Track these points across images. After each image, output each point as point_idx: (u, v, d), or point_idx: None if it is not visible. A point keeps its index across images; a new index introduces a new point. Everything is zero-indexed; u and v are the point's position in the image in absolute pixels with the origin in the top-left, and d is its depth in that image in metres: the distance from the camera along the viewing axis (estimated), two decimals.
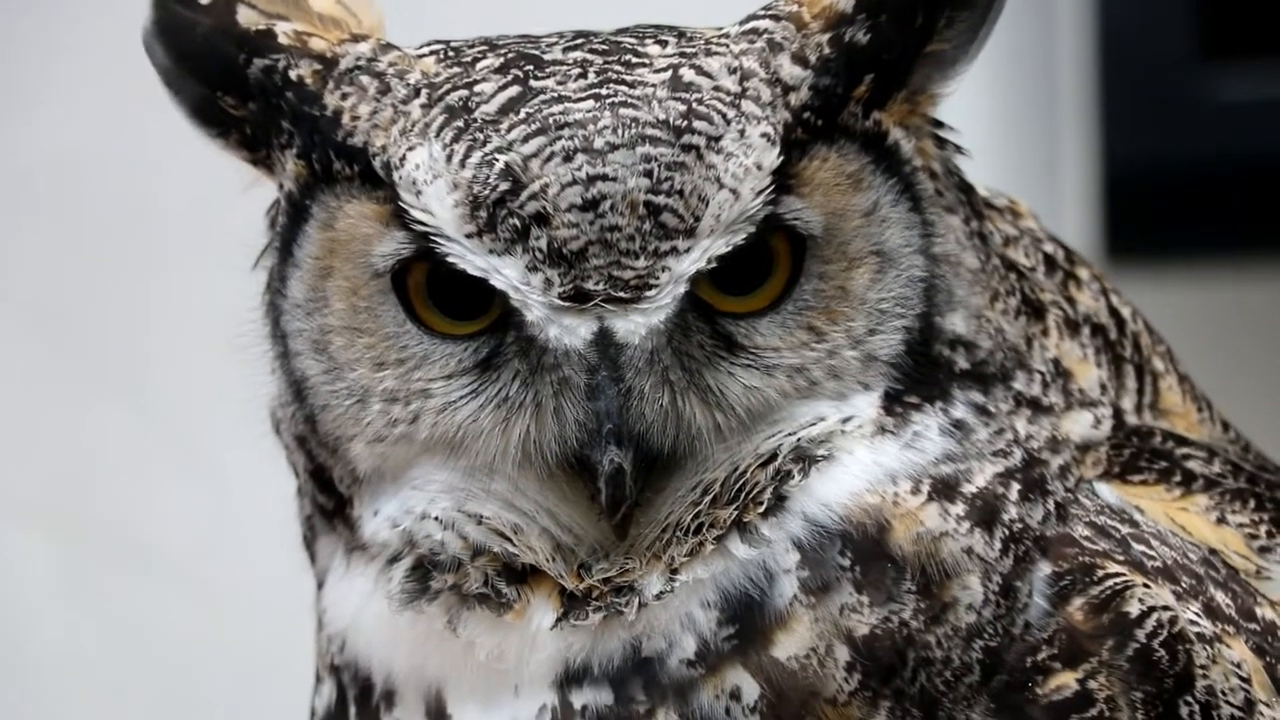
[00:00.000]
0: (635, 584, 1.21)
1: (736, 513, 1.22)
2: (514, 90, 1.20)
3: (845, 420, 1.24)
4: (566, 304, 1.18)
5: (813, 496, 1.22)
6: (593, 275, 1.17)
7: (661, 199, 1.18)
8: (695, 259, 1.18)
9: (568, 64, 1.21)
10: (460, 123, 1.19)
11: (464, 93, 1.21)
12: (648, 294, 1.18)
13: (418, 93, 1.22)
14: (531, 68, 1.21)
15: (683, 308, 1.19)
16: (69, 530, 2.46)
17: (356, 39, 1.25)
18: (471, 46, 1.24)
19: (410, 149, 1.20)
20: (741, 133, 1.20)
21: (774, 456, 1.22)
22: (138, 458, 2.45)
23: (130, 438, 2.45)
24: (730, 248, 1.19)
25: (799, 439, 1.23)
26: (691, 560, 1.21)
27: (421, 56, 1.24)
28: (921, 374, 1.25)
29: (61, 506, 2.47)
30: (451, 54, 1.24)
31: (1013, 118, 2.32)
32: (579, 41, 1.23)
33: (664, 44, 1.23)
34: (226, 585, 2.20)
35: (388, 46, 1.25)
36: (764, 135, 1.20)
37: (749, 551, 1.21)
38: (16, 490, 2.45)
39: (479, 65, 1.22)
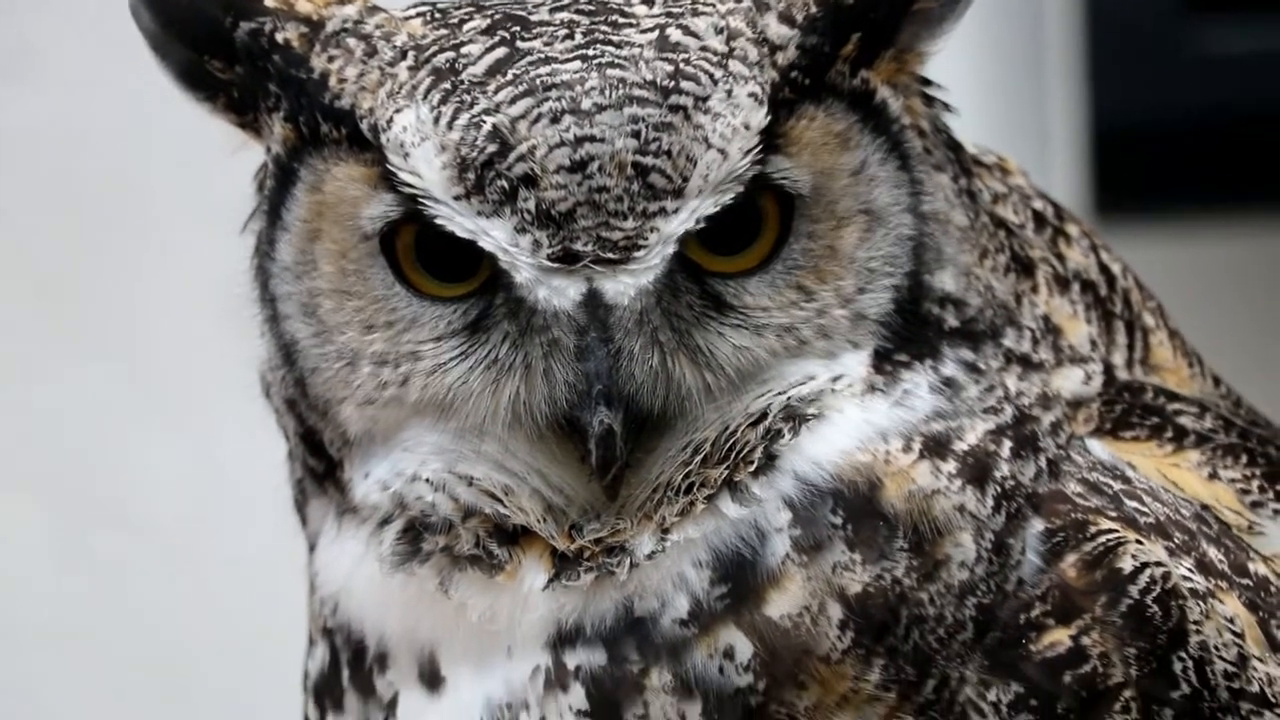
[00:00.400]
0: (626, 544, 1.21)
1: (727, 472, 1.21)
2: (501, 51, 1.20)
3: (835, 379, 1.23)
4: (555, 265, 1.17)
5: (804, 455, 1.22)
6: (581, 236, 1.17)
7: (649, 159, 1.17)
8: (684, 219, 1.18)
9: (554, 25, 1.21)
10: (447, 84, 1.19)
11: (451, 54, 1.20)
12: (636, 255, 1.18)
13: (404, 55, 1.21)
14: (518, 29, 1.21)
15: (671, 268, 1.19)
16: (59, 495, 2.46)
17: (343, 1, 1.25)
18: (458, 8, 1.24)
19: (398, 111, 1.19)
20: (729, 92, 1.20)
21: (764, 415, 1.22)
22: (128, 423, 2.45)
23: (121, 403, 2.45)
24: (718, 208, 1.19)
25: (789, 398, 1.22)
26: (683, 520, 1.21)
27: (408, 19, 1.24)
28: (911, 332, 1.24)
29: (51, 472, 2.47)
30: (438, 16, 1.23)
31: (1000, 75, 2.32)
32: (566, 2, 1.23)
33: (650, 3, 1.23)
34: (217, 550, 2.20)
35: (374, 9, 1.24)
36: (751, 95, 1.20)
37: (740, 510, 1.21)
38: (6, 456, 2.44)
39: (466, 27, 1.22)
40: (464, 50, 1.20)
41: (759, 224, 1.22)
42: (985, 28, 2.16)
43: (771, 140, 1.21)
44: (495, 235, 1.18)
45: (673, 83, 1.19)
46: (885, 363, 1.24)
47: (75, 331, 2.44)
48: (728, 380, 1.22)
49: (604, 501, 1.21)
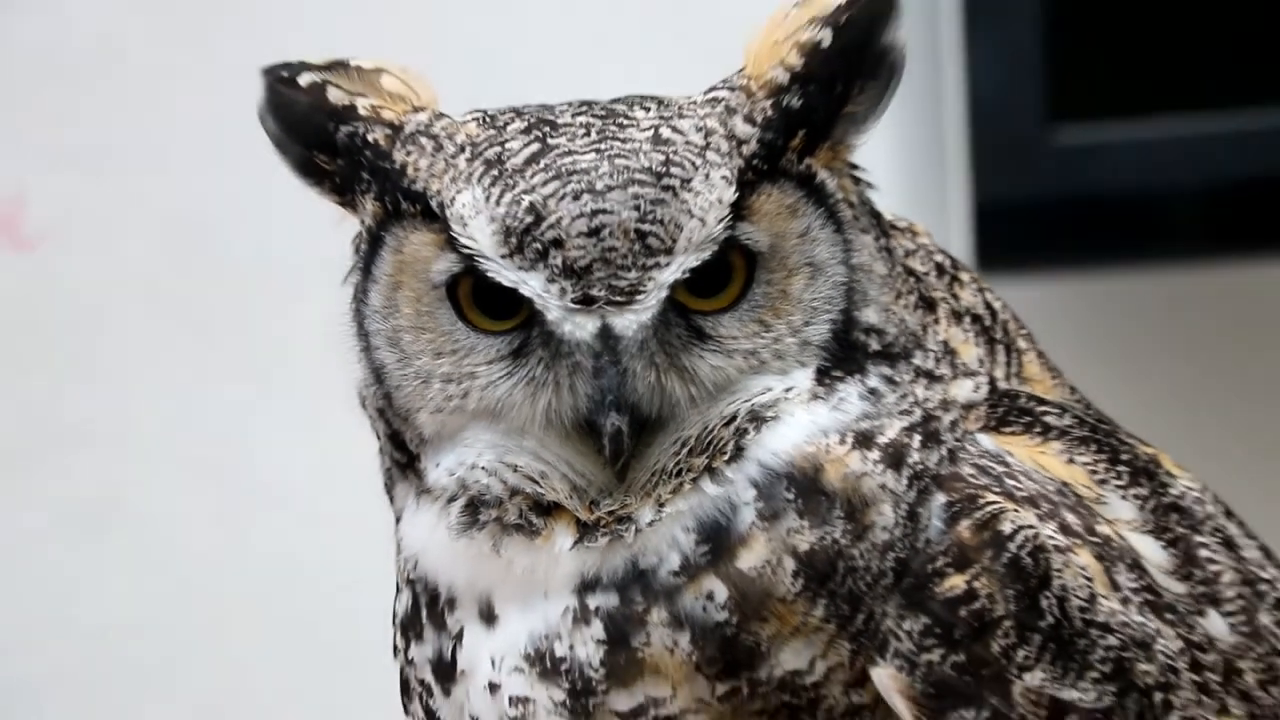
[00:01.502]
0: (633, 515, 1.21)
1: (707, 460, 1.21)
2: (535, 147, 1.20)
3: (787, 390, 1.22)
4: (577, 307, 1.18)
5: (764, 447, 1.21)
6: (596, 285, 1.18)
7: (647, 226, 1.18)
8: (673, 271, 1.19)
9: (575, 126, 1.21)
10: (495, 172, 1.20)
11: (498, 149, 1.21)
12: (638, 298, 1.18)
13: (463, 149, 1.22)
14: (548, 129, 1.21)
15: (664, 308, 1.19)
16: (225, 481, 2.43)
17: (417, 110, 1.25)
18: (503, 114, 1.24)
19: (458, 192, 1.20)
20: (707, 176, 1.20)
21: (734, 417, 1.22)
22: (271, 425, 2.42)
23: (265, 410, 2.42)
24: (699, 262, 1.19)
25: (752, 404, 1.22)
26: (674, 496, 1.21)
27: (465, 122, 1.24)
28: (844, 354, 1.24)
29: (220, 462, 2.43)
30: (488, 119, 1.24)
31: (909, 160, 2.30)
32: (584, 109, 1.23)
33: (647, 109, 1.23)
34: (338, 519, 2.16)
35: (440, 115, 1.25)
36: (724, 177, 1.20)
37: (717, 489, 1.20)
38: (182, 451, 2.41)
39: (509, 128, 1.22)
40: (507, 146, 1.21)
41: (730, 274, 1.22)
42: (898, 126, 2.14)
43: (739, 211, 1.21)
44: (532, 285, 1.18)
45: (664, 169, 1.19)
46: (825, 377, 1.23)
47: (232, 358, 2.41)
48: (706, 392, 1.21)
49: (615, 483, 1.21)
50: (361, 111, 1.24)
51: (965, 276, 1.31)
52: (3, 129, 2.46)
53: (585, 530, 1.21)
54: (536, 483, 1.22)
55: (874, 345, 1.24)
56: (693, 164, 1.21)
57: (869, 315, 1.25)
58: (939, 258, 1.31)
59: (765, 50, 1.24)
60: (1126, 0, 2.40)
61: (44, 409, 2.49)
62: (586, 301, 1.19)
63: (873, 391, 1.23)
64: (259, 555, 2.47)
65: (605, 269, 1.18)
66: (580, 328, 1.19)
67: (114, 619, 2.50)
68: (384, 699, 1.34)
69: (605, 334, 1.19)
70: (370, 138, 1.24)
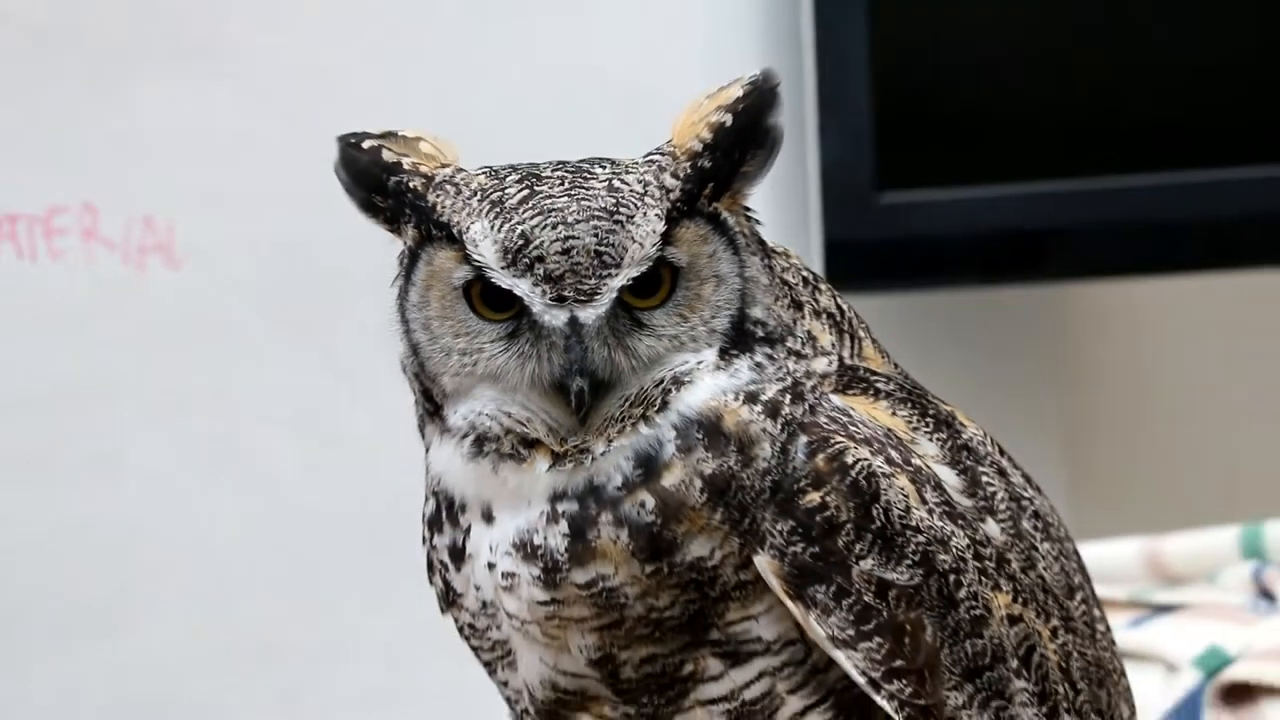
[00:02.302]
0: (590, 448, 1.19)
1: (642, 411, 1.19)
2: (526, 192, 1.20)
3: (699, 363, 1.20)
4: (553, 304, 1.18)
5: (683, 402, 1.19)
6: (567, 288, 1.17)
7: (603, 248, 1.18)
8: (621, 280, 1.18)
9: (554, 178, 1.20)
10: (497, 210, 1.19)
11: (499, 193, 1.20)
12: (596, 298, 1.18)
13: (475, 194, 1.21)
14: (534, 180, 1.20)
15: (614, 305, 1.18)
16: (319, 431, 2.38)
17: (444, 166, 1.24)
18: (503, 169, 1.23)
19: (472, 224, 1.19)
20: (645, 214, 1.19)
21: (661, 382, 1.20)
22: (338, 393, 2.38)
23: (333, 385, 2.38)
24: (639, 273, 1.19)
25: (674, 373, 1.20)
26: (620, 435, 1.19)
27: (477, 175, 1.23)
28: (739, 339, 1.22)
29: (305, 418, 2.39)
30: (493, 173, 1.22)
31: (782, 209, 2.32)
32: (560, 166, 1.22)
33: (604, 167, 1.22)
34: (389, 455, 2.13)
35: (460, 170, 1.23)
36: (656, 215, 1.19)
37: (649, 430, 1.19)
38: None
39: (507, 179, 1.21)
40: (506, 191, 1.20)
41: (661, 282, 1.21)
42: (775, 184, 2.13)
43: (667, 239, 1.20)
44: (522, 288, 1.18)
45: (615, 208, 1.19)
46: (724, 355, 1.21)
47: (324, 351, 2.37)
48: (643, 364, 1.20)
49: (578, 427, 1.19)
50: (405, 166, 1.23)
51: (824, 287, 1.29)
52: (160, 172, 2.39)
53: (556, 459, 1.19)
54: (524, 425, 1.19)
55: (759, 333, 1.22)
56: (635, 205, 1.19)
57: (756, 312, 1.22)
58: (805, 273, 1.28)
59: (685, 127, 1.23)
60: (930, 107, 2.37)
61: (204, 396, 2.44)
62: (560, 300, 1.17)
63: (757, 365, 1.21)
64: (350, 494, 2.43)
65: (573, 277, 1.17)
66: (555, 318, 1.17)
67: (241, 569, 2.44)
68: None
69: (573, 323, 1.17)
70: (411, 185, 1.22)
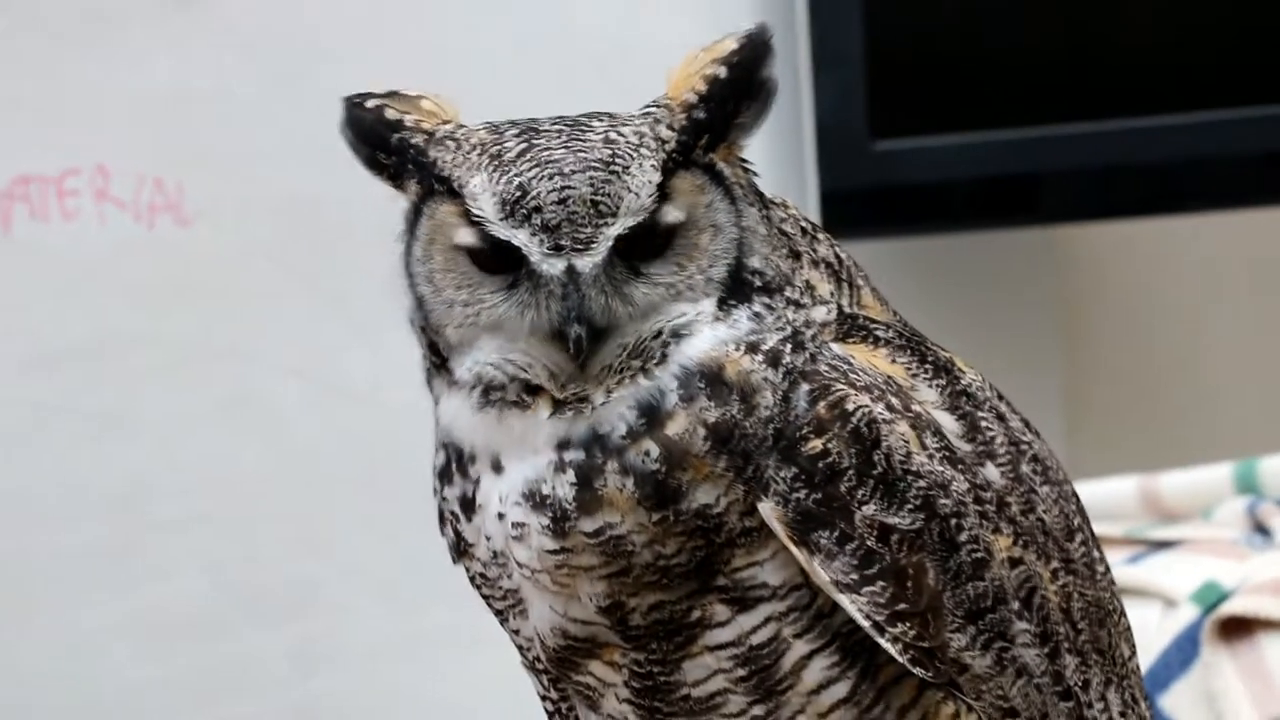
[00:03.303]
0: (590, 396, 1.18)
1: (641, 363, 1.18)
2: (523, 145, 1.19)
3: (697, 314, 1.19)
4: (550, 253, 1.17)
5: (683, 353, 1.18)
6: (564, 238, 1.16)
7: (599, 198, 1.17)
8: (616, 229, 1.17)
9: (551, 131, 1.19)
10: (496, 163, 1.18)
11: (498, 147, 1.19)
12: (592, 246, 1.17)
13: (475, 148, 1.20)
14: (532, 134, 1.20)
15: (610, 254, 1.18)
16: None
17: (445, 122, 1.23)
18: (502, 124, 1.22)
19: (472, 178, 1.18)
20: (640, 165, 1.18)
21: (660, 333, 1.19)
22: (346, 344, 2.39)
23: (341, 336, 2.39)
24: (635, 222, 1.18)
25: (673, 324, 1.19)
26: (619, 386, 1.18)
27: (477, 130, 1.21)
28: (737, 289, 1.21)
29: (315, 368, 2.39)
30: (493, 128, 1.21)
31: (780, 160, 2.34)
32: (558, 120, 1.21)
33: (601, 120, 1.21)
34: (399, 405, 2.12)
35: (460, 125, 1.22)
36: (652, 165, 1.18)
37: (649, 383, 1.18)
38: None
39: (506, 134, 1.20)
40: (505, 145, 1.19)
41: (659, 239, 1.21)
42: (772, 135, 2.14)
43: (663, 189, 1.19)
44: (521, 238, 1.17)
45: (611, 159, 1.18)
46: (723, 305, 1.20)
47: (331, 300, 2.37)
48: (640, 311, 1.19)
49: (578, 373, 1.18)
50: (407, 123, 1.21)
51: (821, 236, 1.27)
52: (170, 134, 2.39)
53: (557, 406, 1.18)
54: (525, 372, 1.18)
55: (757, 283, 1.20)
56: (631, 156, 1.18)
57: (754, 262, 1.21)
58: (803, 223, 1.26)
59: (681, 80, 1.22)
60: (920, 57, 2.38)
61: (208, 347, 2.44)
62: (557, 249, 1.16)
63: (756, 315, 1.19)
64: (363, 446, 2.43)
65: (570, 227, 1.16)
66: (553, 267, 1.16)
67: (254, 519, 2.44)
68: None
69: (570, 271, 1.16)
70: (414, 142, 1.21)
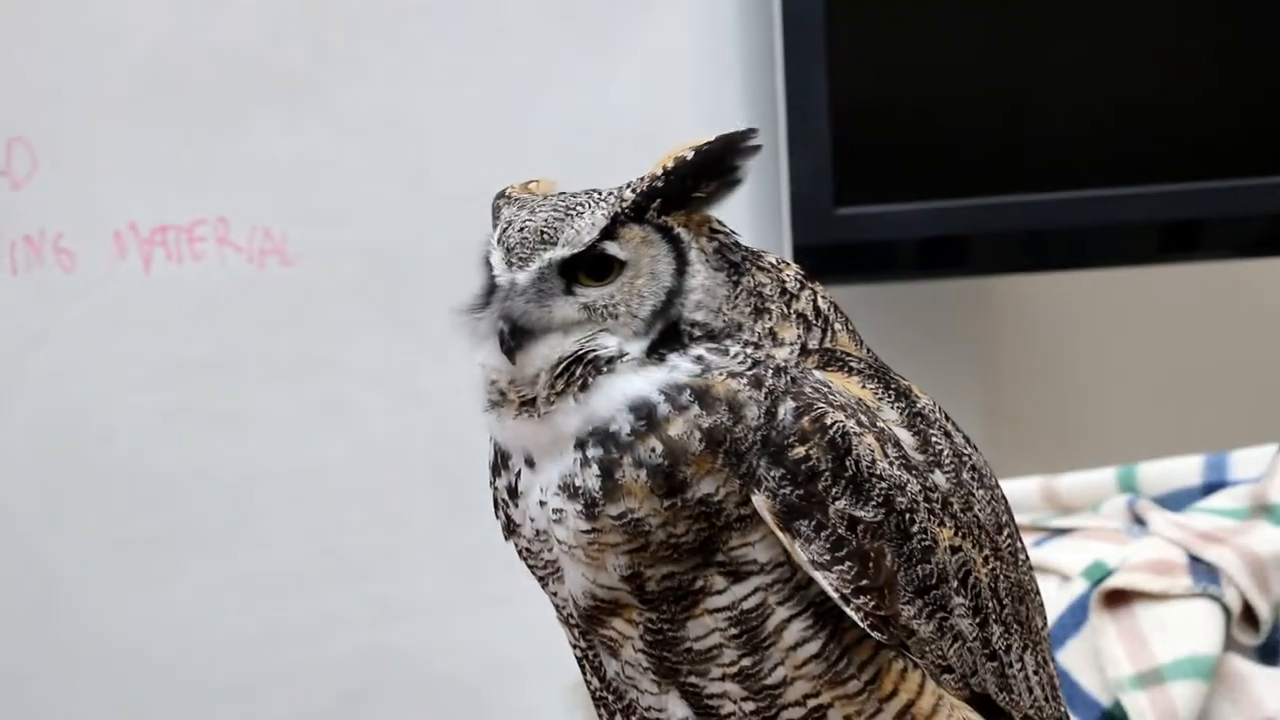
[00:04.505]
0: (536, 402, 1.17)
1: (566, 386, 1.17)
2: (512, 211, 1.20)
3: (621, 352, 1.17)
4: (504, 268, 1.18)
5: (615, 388, 1.16)
6: (515, 257, 1.17)
7: (546, 230, 1.17)
8: (554, 254, 1.17)
9: (555, 196, 1.21)
10: (508, 210, 1.21)
11: (518, 202, 1.21)
12: (529, 264, 1.18)
13: (509, 201, 1.21)
14: (521, 204, 1.21)
15: (549, 272, 1.17)
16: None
17: (525, 189, 1.23)
18: (515, 195, 1.23)
19: (497, 219, 1.20)
20: (592, 212, 1.18)
21: (581, 358, 1.17)
22: (419, 361, 2.38)
23: (415, 354, 2.36)
24: (573, 252, 1.17)
25: (594, 351, 1.17)
26: (558, 398, 1.17)
27: (524, 190, 1.23)
28: (672, 338, 1.18)
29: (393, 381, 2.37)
30: (528, 191, 1.23)
31: (761, 221, 2.33)
32: (542, 198, 1.21)
33: (588, 193, 1.21)
34: (461, 411, 2.12)
35: (524, 188, 1.23)
36: (604, 214, 1.17)
37: (577, 405, 1.16)
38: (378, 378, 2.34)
39: (513, 200, 1.22)
40: (519, 199, 1.21)
41: (609, 269, 1.17)
42: (753, 202, 2.12)
43: (609, 234, 1.17)
44: (495, 257, 1.18)
45: (570, 208, 1.18)
46: (654, 353, 1.17)
47: (413, 330, 2.32)
48: (558, 323, 1.18)
49: (515, 372, 1.17)
50: (506, 191, 1.22)
51: (805, 294, 1.24)
52: (278, 193, 2.38)
53: (520, 408, 1.17)
54: (493, 375, 1.18)
55: (696, 332, 1.17)
56: (587, 206, 1.17)
57: (696, 315, 1.18)
58: (788, 283, 1.23)
59: (663, 159, 1.19)
60: (878, 139, 2.34)
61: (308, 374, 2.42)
62: (508, 265, 1.17)
63: (698, 358, 1.17)
64: (431, 442, 2.41)
65: (522, 249, 1.16)
66: (502, 277, 1.17)
67: (343, 502, 2.43)
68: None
69: (510, 281, 1.16)
70: (499, 200, 1.22)
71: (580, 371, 1.16)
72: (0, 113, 2.35)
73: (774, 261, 1.24)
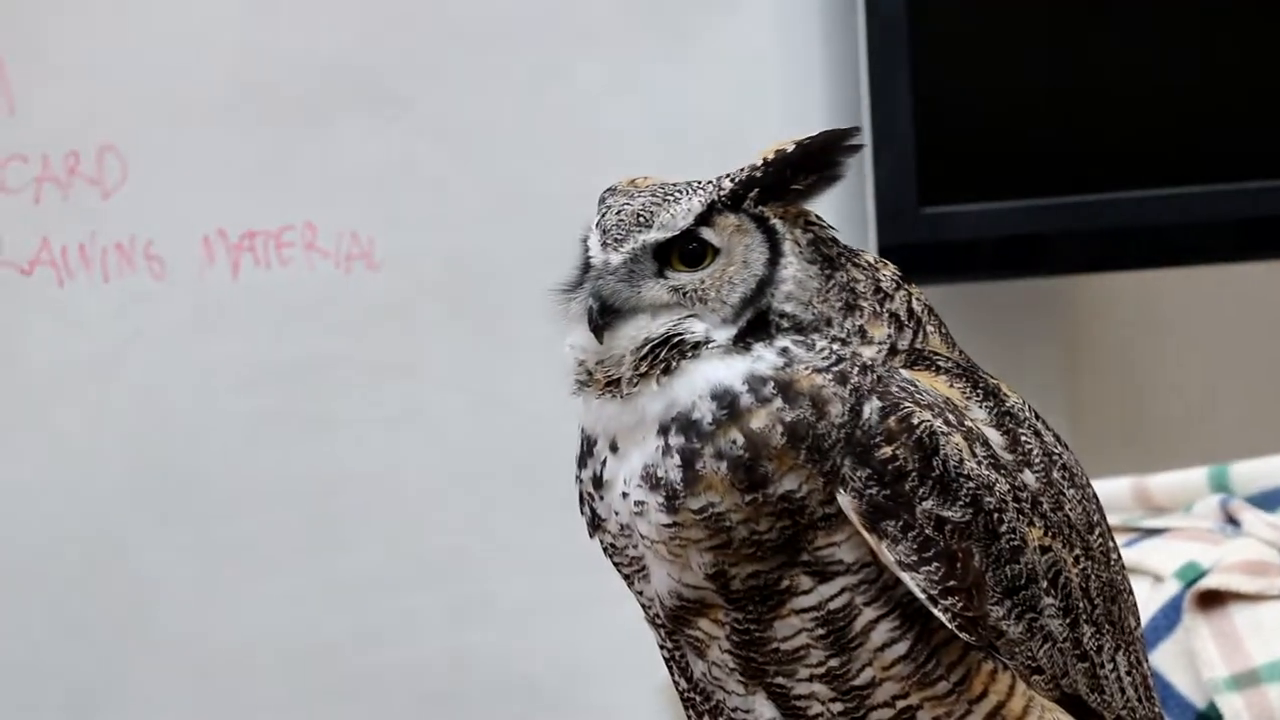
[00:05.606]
0: (619, 382, 1.16)
1: (650, 369, 1.16)
2: (614, 200, 1.19)
3: (707, 338, 1.16)
4: (600, 248, 1.18)
5: (700, 374, 1.15)
6: (610, 238, 1.17)
7: (643, 213, 1.17)
8: (649, 236, 1.17)
9: (655, 183, 1.21)
10: (609, 196, 1.20)
11: (618, 190, 1.21)
12: (624, 245, 1.17)
13: (613, 191, 1.21)
14: (641, 186, 1.20)
15: (643, 255, 1.17)
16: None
17: (631, 182, 1.22)
18: (620, 189, 1.22)
19: (600, 205, 1.19)
20: (690, 198, 1.17)
21: (668, 340, 1.16)
22: (500, 364, 2.38)
23: (496, 358, 2.36)
24: (668, 235, 1.16)
25: (680, 335, 1.16)
26: (641, 380, 1.16)
27: (629, 182, 1.22)
28: (760, 328, 1.17)
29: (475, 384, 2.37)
30: (632, 181, 1.22)
31: (853, 221, 2.31)
32: (636, 190, 1.21)
33: (689, 182, 1.20)
34: (541, 413, 2.10)
35: (633, 182, 1.22)
36: (700, 201, 1.17)
37: (659, 389, 1.15)
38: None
39: (616, 191, 1.21)
40: (620, 188, 1.20)
41: (704, 254, 1.16)
42: (843, 200, 2.11)
43: (704, 220, 1.16)
44: (592, 238, 1.17)
45: (667, 194, 1.18)
46: (741, 341, 1.16)
47: (499, 338, 2.31)
48: (646, 304, 1.17)
49: (602, 352, 1.17)
50: (613, 183, 1.22)
51: (900, 295, 1.22)
52: (364, 199, 2.39)
53: (605, 388, 1.16)
54: (581, 355, 1.17)
55: (785, 324, 1.16)
56: (684, 193, 1.17)
57: (786, 306, 1.16)
58: (883, 284, 1.22)
59: (761, 152, 1.19)
60: (960, 139, 2.34)
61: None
62: (604, 246, 1.16)
63: (784, 350, 1.15)
64: (510, 444, 2.40)
65: (618, 231, 1.16)
66: (597, 257, 1.17)
67: (424, 505, 2.44)
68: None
69: (605, 262, 1.15)
70: (606, 192, 1.21)
71: (665, 354, 1.15)
72: (91, 121, 2.37)
73: (871, 260, 1.23)
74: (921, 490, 1.13)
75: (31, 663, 2.38)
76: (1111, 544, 1.24)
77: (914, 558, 1.13)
